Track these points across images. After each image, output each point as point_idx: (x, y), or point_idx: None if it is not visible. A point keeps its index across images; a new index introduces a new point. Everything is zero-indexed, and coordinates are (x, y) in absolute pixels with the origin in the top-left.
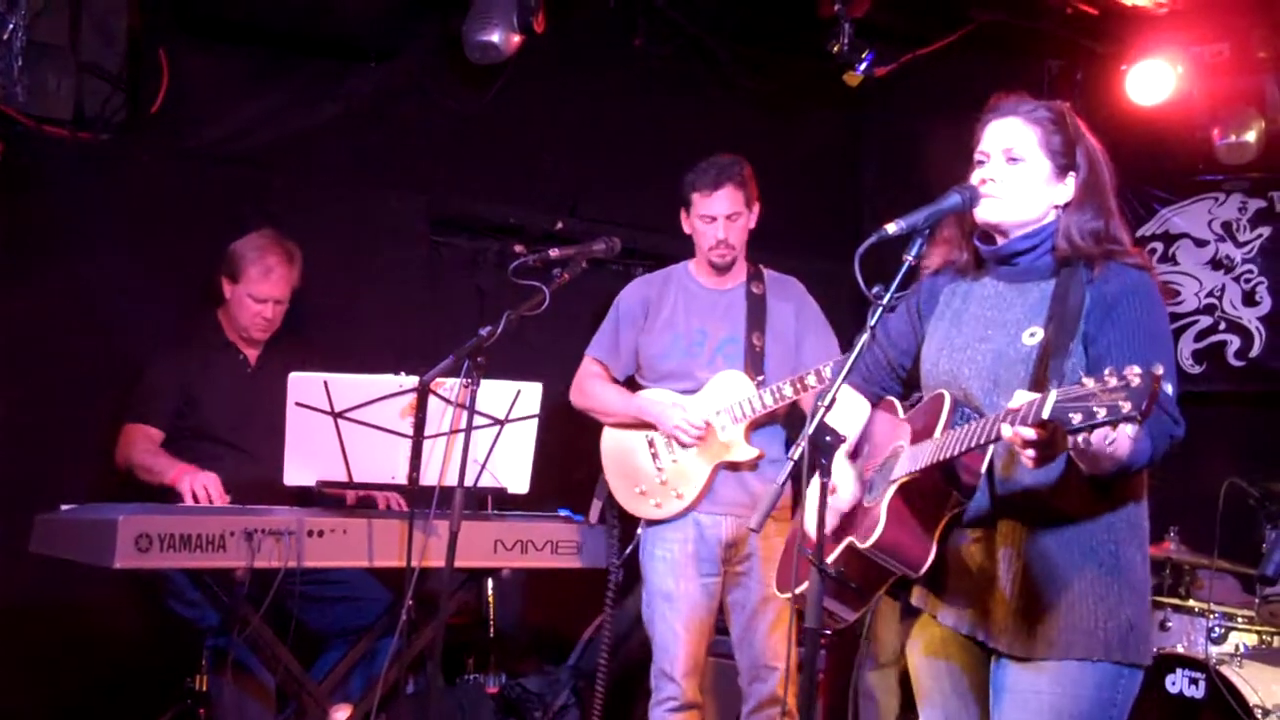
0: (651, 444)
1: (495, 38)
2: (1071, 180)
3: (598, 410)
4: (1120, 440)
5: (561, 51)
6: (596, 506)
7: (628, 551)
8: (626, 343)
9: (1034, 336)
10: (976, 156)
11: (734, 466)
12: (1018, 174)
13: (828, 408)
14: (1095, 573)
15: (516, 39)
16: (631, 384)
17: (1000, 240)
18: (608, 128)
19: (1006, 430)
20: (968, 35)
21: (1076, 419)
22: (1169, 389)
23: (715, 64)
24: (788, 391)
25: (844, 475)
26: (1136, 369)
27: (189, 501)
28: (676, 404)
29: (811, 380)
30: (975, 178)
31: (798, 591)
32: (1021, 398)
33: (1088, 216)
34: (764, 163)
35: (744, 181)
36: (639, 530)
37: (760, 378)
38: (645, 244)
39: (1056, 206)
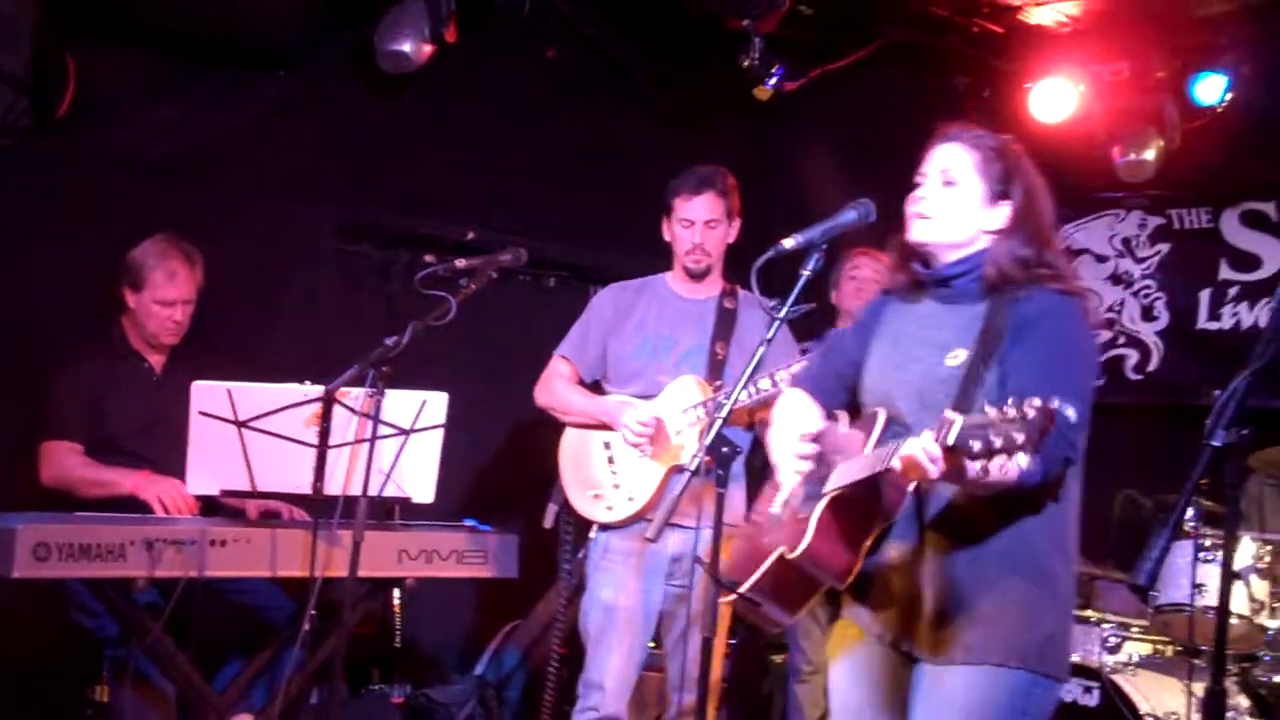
0: (608, 446)
1: (406, 47)
2: (1005, 208)
3: (559, 409)
4: (1010, 468)
5: (474, 62)
6: (551, 511)
7: (579, 556)
8: (595, 343)
9: (957, 359)
10: (916, 178)
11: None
12: (950, 196)
13: (725, 420)
14: (1017, 584)
15: (428, 49)
16: (598, 389)
17: (934, 263)
18: (520, 139)
19: (914, 449)
20: (877, 52)
21: (976, 446)
22: (1070, 413)
23: (628, 76)
24: (741, 396)
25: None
26: (1036, 402)
27: (159, 512)
28: (629, 404)
29: (766, 385)
30: (911, 198)
31: (708, 618)
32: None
33: (1018, 244)
34: (674, 175)
35: (726, 191)
36: (591, 536)
37: (719, 383)
38: (557, 254)
39: (987, 232)
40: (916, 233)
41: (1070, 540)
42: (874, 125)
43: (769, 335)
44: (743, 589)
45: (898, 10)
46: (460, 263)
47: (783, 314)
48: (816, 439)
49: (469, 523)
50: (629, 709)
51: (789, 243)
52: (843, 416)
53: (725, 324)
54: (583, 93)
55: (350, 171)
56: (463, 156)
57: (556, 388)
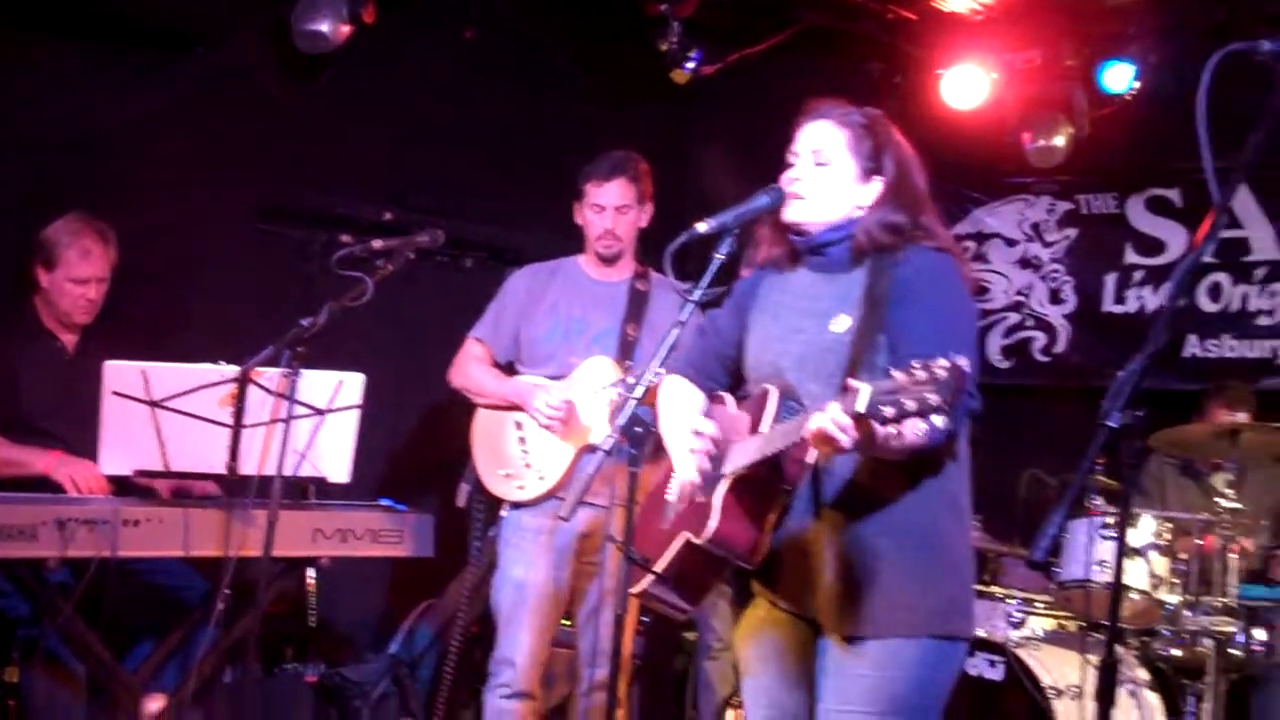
0: (519, 426)
1: (324, 27)
2: (877, 183)
3: (472, 390)
4: (922, 427)
5: (392, 42)
6: (464, 490)
7: (491, 535)
8: (508, 325)
9: (840, 325)
10: (788, 157)
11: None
12: (824, 176)
13: (640, 400)
14: (915, 551)
15: (346, 29)
16: (512, 371)
17: (808, 234)
18: (438, 119)
19: (824, 421)
20: (794, 37)
21: (889, 412)
22: (967, 365)
23: (546, 58)
24: (650, 377)
25: (680, 470)
26: (943, 361)
27: (71, 492)
28: (541, 386)
29: None
30: (784, 179)
31: (632, 591)
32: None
33: (888, 212)
34: (592, 158)
35: (637, 177)
36: (502, 514)
37: (629, 364)
38: (475, 235)
39: (861, 208)
40: (792, 213)
41: (964, 499)
42: (791, 110)
43: (682, 318)
44: (657, 567)
45: None
46: (377, 244)
47: (696, 297)
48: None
49: (385, 502)
50: (539, 685)
51: (702, 227)
52: (727, 398)
53: (637, 306)
54: (501, 74)
55: (267, 151)
56: (381, 137)
57: (470, 370)
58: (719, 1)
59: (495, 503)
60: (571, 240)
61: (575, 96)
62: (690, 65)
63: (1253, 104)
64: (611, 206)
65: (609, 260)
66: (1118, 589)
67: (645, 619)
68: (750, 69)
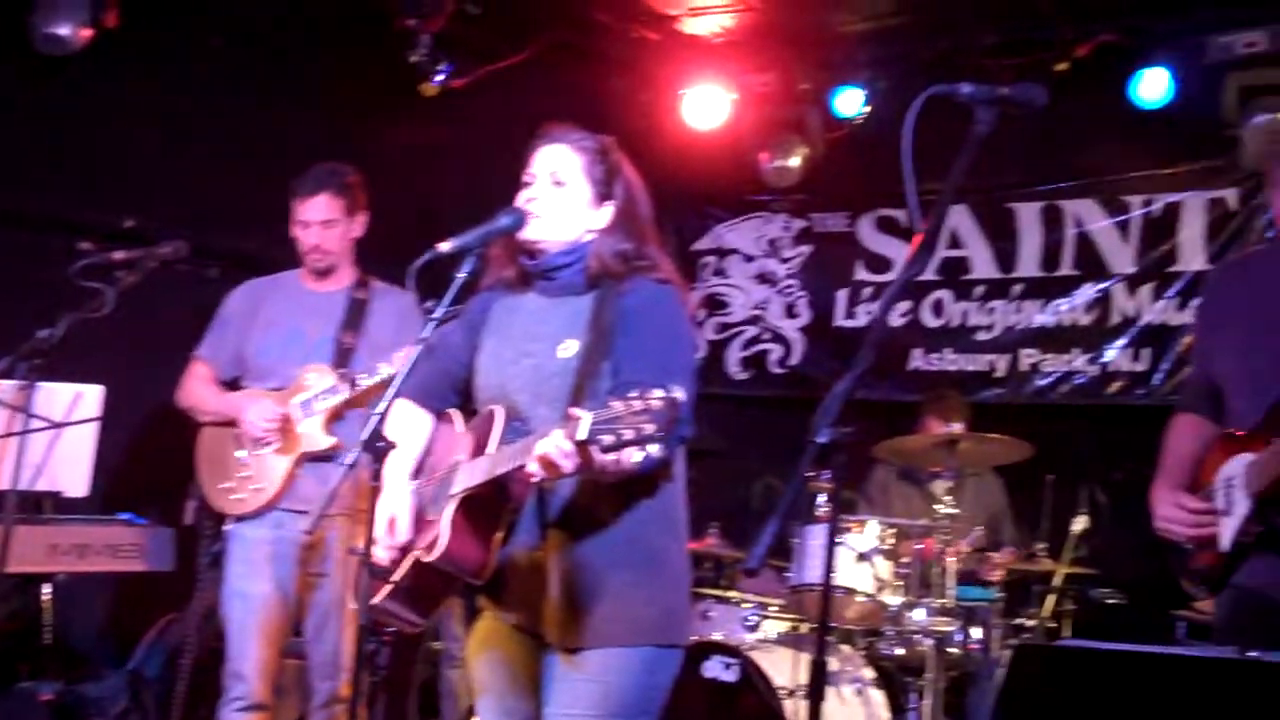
0: (239, 440)
1: (64, 30)
2: (608, 208)
3: (196, 409)
4: (638, 455)
5: (137, 46)
6: (190, 507)
7: (215, 550)
8: (230, 342)
9: (567, 350)
10: (524, 178)
11: (316, 458)
12: (560, 197)
13: (382, 415)
14: (634, 565)
15: (87, 32)
16: (239, 387)
17: (540, 258)
18: (183, 126)
19: (548, 447)
20: (542, 54)
21: (607, 440)
22: (683, 396)
23: (295, 66)
24: (362, 382)
25: (404, 491)
26: (659, 393)
27: None
28: (255, 399)
29: (385, 371)
30: (521, 198)
31: (363, 604)
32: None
33: (618, 239)
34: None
35: (343, 189)
36: (226, 528)
37: (344, 371)
38: (218, 244)
39: (592, 231)
40: (529, 231)
41: (680, 516)
42: (537, 125)
43: (423, 335)
44: (394, 577)
45: (561, 13)
46: (119, 254)
47: (438, 314)
48: (421, 463)
49: (125, 516)
50: (276, 698)
51: (445, 246)
52: (456, 416)
53: (355, 314)
54: (249, 82)
55: (5, 155)
56: (124, 142)
57: (193, 389)
58: (468, 16)
59: (221, 518)
60: None
61: (324, 106)
62: (439, 78)
63: (962, 132)
64: (316, 222)
65: (321, 273)
66: (827, 591)
67: (389, 629)
68: (499, 83)
